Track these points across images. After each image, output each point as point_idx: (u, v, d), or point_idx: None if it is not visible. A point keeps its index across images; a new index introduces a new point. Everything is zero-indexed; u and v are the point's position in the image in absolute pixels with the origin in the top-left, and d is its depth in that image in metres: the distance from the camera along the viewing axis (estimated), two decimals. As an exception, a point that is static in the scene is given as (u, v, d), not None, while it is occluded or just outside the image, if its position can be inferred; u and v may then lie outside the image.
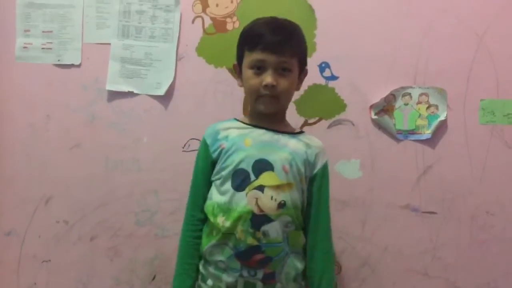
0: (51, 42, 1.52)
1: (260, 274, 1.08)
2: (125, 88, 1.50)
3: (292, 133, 1.18)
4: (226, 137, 1.13)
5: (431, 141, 1.47)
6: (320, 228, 1.15)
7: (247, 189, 1.07)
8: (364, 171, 1.47)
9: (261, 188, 1.07)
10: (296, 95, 1.47)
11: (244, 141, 1.11)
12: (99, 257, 1.51)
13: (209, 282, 1.12)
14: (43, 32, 1.52)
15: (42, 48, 1.52)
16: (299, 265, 1.13)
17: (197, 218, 1.15)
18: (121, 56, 1.50)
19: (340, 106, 1.48)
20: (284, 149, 1.12)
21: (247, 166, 1.08)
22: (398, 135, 1.48)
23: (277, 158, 1.10)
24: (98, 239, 1.51)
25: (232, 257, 1.08)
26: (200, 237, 1.14)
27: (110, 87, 1.50)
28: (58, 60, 1.51)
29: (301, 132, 1.20)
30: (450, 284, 1.47)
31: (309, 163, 1.14)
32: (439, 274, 1.48)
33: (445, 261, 1.47)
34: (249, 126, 1.15)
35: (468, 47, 1.47)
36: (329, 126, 1.48)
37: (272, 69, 1.09)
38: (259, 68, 1.10)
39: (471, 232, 1.47)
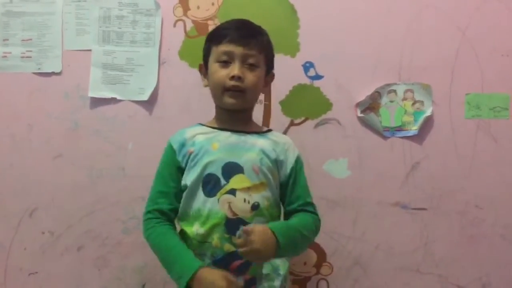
0: (30, 51, 1.49)
1: (240, 282, 1.04)
2: (107, 95, 1.48)
3: (259, 132, 1.16)
4: (193, 143, 1.11)
5: (418, 137, 1.47)
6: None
7: (218, 194, 1.05)
8: (352, 170, 1.47)
9: (232, 191, 1.05)
10: (281, 95, 1.47)
11: (211, 146, 1.09)
12: (87, 267, 1.48)
13: None
14: (22, 40, 1.49)
15: (22, 57, 1.49)
16: (279, 264, 1.09)
17: (164, 219, 1.09)
18: (102, 62, 1.47)
19: (326, 105, 1.47)
20: (253, 149, 1.10)
21: (216, 170, 1.06)
22: (385, 133, 1.47)
23: (246, 159, 1.08)
24: (85, 249, 1.48)
25: (210, 266, 1.03)
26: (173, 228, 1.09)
27: (92, 94, 1.48)
28: (39, 69, 1.49)
29: (268, 131, 1.18)
30: (443, 280, 1.47)
31: (280, 161, 1.13)
32: (431, 270, 1.47)
33: (437, 257, 1.47)
34: (215, 130, 1.13)
35: (451, 42, 1.47)
36: (316, 126, 1.47)
37: (239, 61, 1.08)
38: (226, 62, 1.09)
39: (461, 227, 1.47)
